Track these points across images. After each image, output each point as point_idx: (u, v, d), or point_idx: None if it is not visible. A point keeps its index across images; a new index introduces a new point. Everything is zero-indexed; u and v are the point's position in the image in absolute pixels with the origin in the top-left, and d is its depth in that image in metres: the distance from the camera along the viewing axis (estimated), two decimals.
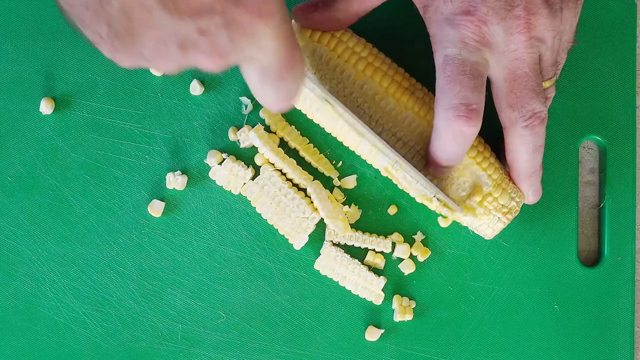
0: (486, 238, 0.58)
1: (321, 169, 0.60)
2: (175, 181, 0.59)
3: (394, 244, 0.60)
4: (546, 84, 0.53)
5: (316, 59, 0.54)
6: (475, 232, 0.58)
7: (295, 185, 0.60)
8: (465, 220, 0.57)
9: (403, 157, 0.55)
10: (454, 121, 0.50)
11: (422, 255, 0.60)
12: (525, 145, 0.53)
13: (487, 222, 0.57)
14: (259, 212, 0.59)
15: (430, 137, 0.53)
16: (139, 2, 0.38)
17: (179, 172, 0.60)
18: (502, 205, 0.56)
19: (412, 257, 0.60)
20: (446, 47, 0.50)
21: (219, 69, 0.42)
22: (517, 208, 0.57)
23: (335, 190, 0.60)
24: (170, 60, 0.41)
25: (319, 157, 0.60)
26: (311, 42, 0.54)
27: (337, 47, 0.55)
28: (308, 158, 0.60)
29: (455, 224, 0.60)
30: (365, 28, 0.57)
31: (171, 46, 0.40)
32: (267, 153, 0.59)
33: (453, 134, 0.50)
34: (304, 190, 0.60)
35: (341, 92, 0.55)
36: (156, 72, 0.60)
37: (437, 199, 0.55)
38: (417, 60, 0.57)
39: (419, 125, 0.55)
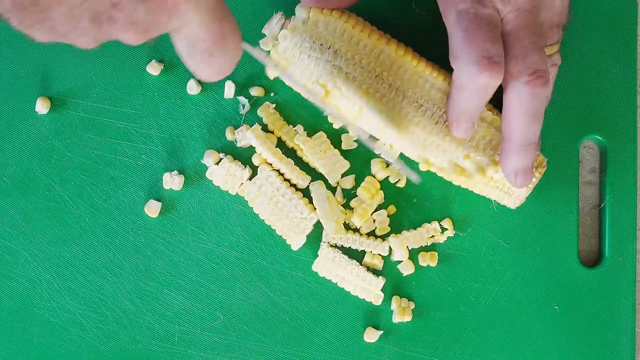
0: (511, 206, 0.58)
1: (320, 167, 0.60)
2: (172, 181, 0.59)
3: (390, 248, 0.60)
4: (549, 50, 0.53)
5: (330, 32, 0.54)
6: (501, 202, 0.58)
7: (293, 185, 0.59)
8: (496, 177, 0.56)
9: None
10: (478, 76, 0.49)
11: (432, 260, 0.60)
12: (523, 106, 0.51)
13: None
14: (256, 212, 0.59)
15: (448, 96, 0.52)
16: None
17: (175, 172, 0.59)
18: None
19: (411, 257, 0.60)
20: (458, 2, 0.50)
21: (140, 41, 0.40)
22: (544, 163, 0.57)
23: (338, 191, 0.60)
24: (85, 35, 0.39)
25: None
26: (323, 16, 0.54)
27: (350, 19, 0.54)
28: (306, 158, 0.60)
29: (454, 224, 0.60)
30: (367, 16, 0.56)
31: (83, 20, 0.38)
32: (264, 153, 0.58)
33: (476, 89, 0.50)
34: (302, 190, 0.59)
35: (358, 64, 0.54)
36: (153, 71, 0.60)
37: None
38: (421, 45, 0.57)
39: (439, 89, 0.54)
